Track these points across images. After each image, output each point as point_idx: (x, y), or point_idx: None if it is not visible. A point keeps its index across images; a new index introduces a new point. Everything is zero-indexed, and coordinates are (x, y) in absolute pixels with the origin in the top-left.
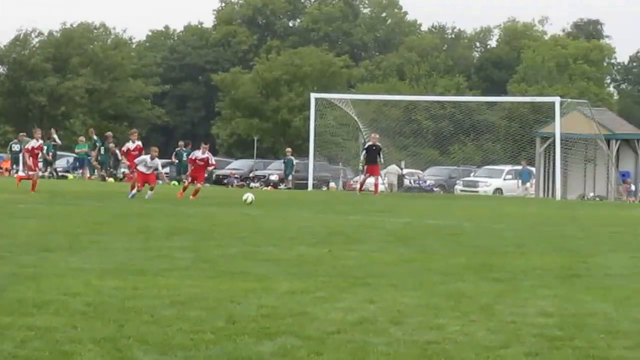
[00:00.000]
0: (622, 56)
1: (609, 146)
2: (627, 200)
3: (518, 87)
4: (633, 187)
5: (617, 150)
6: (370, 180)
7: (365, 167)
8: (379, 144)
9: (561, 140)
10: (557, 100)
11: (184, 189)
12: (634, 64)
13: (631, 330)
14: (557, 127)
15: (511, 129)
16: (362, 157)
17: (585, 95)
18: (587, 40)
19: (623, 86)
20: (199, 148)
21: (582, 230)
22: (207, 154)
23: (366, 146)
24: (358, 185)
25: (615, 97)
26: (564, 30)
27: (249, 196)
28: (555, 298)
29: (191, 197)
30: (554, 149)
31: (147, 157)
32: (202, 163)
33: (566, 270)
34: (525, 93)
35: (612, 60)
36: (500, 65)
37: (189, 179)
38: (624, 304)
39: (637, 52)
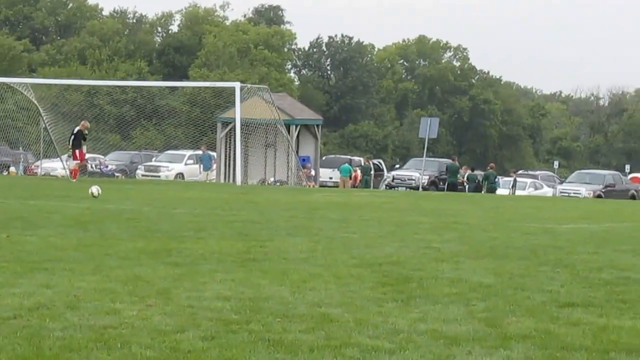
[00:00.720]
0: (303, 42)
1: (289, 131)
2: (307, 185)
3: (199, 72)
4: (313, 172)
5: (297, 136)
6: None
7: (72, 152)
8: (86, 131)
9: (242, 125)
10: (237, 85)
11: None
12: (315, 49)
13: (306, 314)
14: (238, 112)
15: (193, 114)
16: (70, 142)
17: (266, 81)
18: (268, 26)
19: (304, 72)
20: None
21: (262, 215)
22: None
23: (75, 131)
24: (68, 172)
25: (296, 82)
26: (245, 16)
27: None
28: (232, 282)
29: None
30: (235, 134)
31: None
32: None
33: (244, 254)
34: (207, 78)
35: (293, 46)
36: (182, 50)
37: None
38: (300, 288)
39: (318, 38)
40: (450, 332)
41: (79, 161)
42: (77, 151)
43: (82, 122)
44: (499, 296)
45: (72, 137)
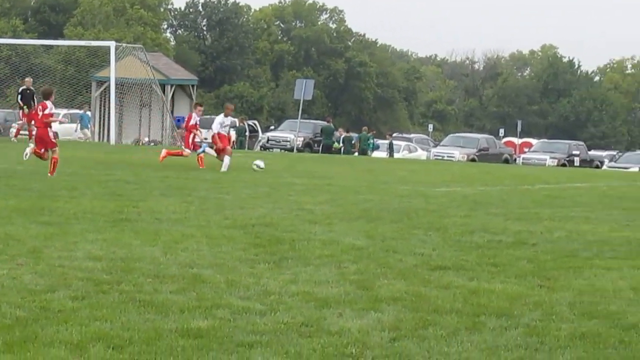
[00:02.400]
0: (179, 2)
1: (164, 91)
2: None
3: (75, 31)
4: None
5: (172, 96)
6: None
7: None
8: (32, 88)
9: (116, 84)
10: (112, 44)
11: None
12: (191, 10)
13: (178, 274)
14: (112, 72)
15: (67, 72)
16: (18, 100)
17: (141, 41)
18: None
19: (179, 32)
20: None
21: (135, 175)
22: None
23: (20, 90)
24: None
25: (172, 42)
26: None
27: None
28: (104, 242)
29: None
30: (110, 93)
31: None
32: None
33: (117, 214)
34: (82, 37)
35: (169, 6)
36: (58, 8)
37: None
38: (172, 249)
39: None
40: (321, 294)
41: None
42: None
43: (27, 79)
44: (371, 258)
45: (19, 95)
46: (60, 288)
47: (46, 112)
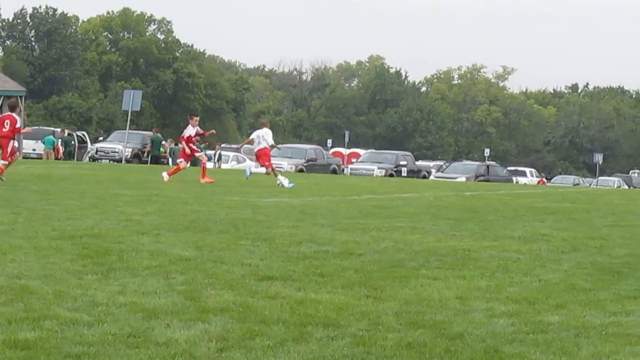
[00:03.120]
0: (7, 13)
1: None
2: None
3: None
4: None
5: (0, 107)
6: None
7: None
8: None
9: None
10: None
11: None
12: (19, 20)
13: (5, 286)
14: None
15: None
16: None
17: None
18: None
19: (7, 43)
20: None
21: None
22: None
23: None
24: None
25: (0, 54)
26: None
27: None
28: None
29: None
30: None
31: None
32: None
33: None
34: None
35: None
36: None
37: None
38: None
39: (22, 9)
40: (149, 305)
41: None
42: None
43: None
44: (199, 269)
45: None
46: None
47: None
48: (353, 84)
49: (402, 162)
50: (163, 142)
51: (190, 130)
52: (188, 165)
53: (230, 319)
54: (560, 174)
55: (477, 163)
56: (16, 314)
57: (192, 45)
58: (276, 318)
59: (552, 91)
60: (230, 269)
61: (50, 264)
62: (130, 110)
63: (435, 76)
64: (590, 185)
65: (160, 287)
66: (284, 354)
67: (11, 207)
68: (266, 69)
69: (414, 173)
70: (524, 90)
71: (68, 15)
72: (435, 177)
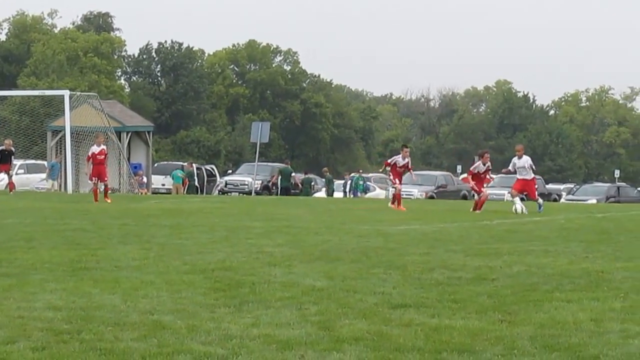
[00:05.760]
0: (133, 49)
1: (119, 139)
2: (139, 192)
3: (28, 80)
4: (145, 179)
5: (129, 143)
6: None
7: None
8: (12, 148)
9: (72, 133)
10: (66, 93)
11: None
12: (144, 56)
13: (139, 322)
14: (67, 121)
15: (22, 123)
16: None
17: (96, 89)
18: (97, 33)
19: (134, 78)
20: None
21: (93, 223)
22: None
23: None
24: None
25: (127, 89)
26: (73, 23)
27: None
28: (63, 291)
29: None
30: (65, 142)
31: None
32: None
33: (75, 263)
34: (36, 87)
35: (123, 53)
36: (10, 59)
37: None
38: (132, 296)
39: (147, 44)
40: (282, 336)
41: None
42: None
43: (6, 141)
44: (332, 299)
45: None
46: (20, 339)
47: None
48: (481, 109)
49: None
50: (293, 174)
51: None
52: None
53: (365, 348)
54: None
55: (607, 185)
56: (150, 350)
57: (318, 76)
58: (411, 345)
59: None
60: (363, 297)
61: (183, 298)
62: (258, 142)
63: (562, 99)
64: None
65: (294, 318)
66: None
67: (142, 243)
68: (393, 97)
69: (545, 196)
70: None
71: (194, 49)
72: (566, 200)
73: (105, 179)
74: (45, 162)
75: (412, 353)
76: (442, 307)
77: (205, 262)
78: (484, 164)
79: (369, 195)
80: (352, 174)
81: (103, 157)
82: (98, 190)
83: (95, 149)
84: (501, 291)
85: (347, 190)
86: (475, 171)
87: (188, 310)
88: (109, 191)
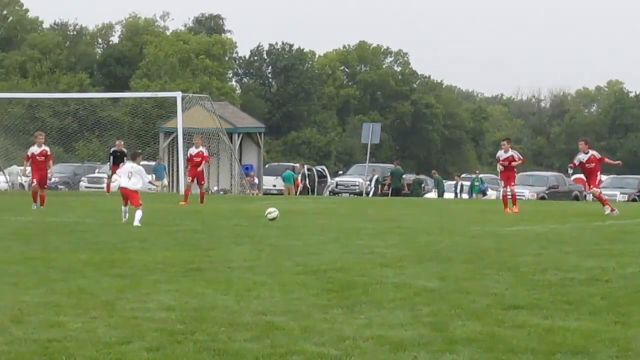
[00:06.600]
0: (244, 50)
1: (231, 140)
2: (251, 193)
3: (141, 82)
4: (256, 180)
5: (240, 144)
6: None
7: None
8: (124, 149)
9: (184, 134)
10: (178, 95)
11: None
12: (255, 58)
13: (252, 322)
14: (180, 122)
15: (135, 124)
16: (110, 162)
17: (207, 90)
18: (208, 35)
19: (245, 80)
20: None
21: (205, 224)
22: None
23: (111, 151)
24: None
25: (238, 91)
26: (185, 26)
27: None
28: (176, 292)
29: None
30: (177, 143)
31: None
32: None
33: (188, 264)
34: (148, 88)
35: (234, 55)
36: (123, 61)
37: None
38: (244, 297)
39: (258, 46)
40: (395, 337)
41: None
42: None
43: (118, 142)
44: (444, 300)
45: (111, 157)
46: (134, 339)
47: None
48: (592, 110)
49: None
50: (403, 175)
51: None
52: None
53: (478, 349)
54: None
55: None
56: (263, 350)
57: (429, 76)
58: (524, 347)
59: None
60: (476, 298)
61: (295, 299)
62: (369, 143)
63: None
64: None
65: (406, 319)
66: None
67: (254, 244)
68: (504, 97)
69: None
70: None
71: (304, 50)
72: None
73: (202, 182)
74: (164, 163)
75: (526, 354)
76: (555, 309)
77: (317, 262)
78: (585, 153)
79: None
80: (465, 175)
81: (200, 159)
82: (190, 191)
83: (193, 150)
84: (615, 292)
85: (459, 191)
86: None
87: (301, 311)
88: (205, 194)
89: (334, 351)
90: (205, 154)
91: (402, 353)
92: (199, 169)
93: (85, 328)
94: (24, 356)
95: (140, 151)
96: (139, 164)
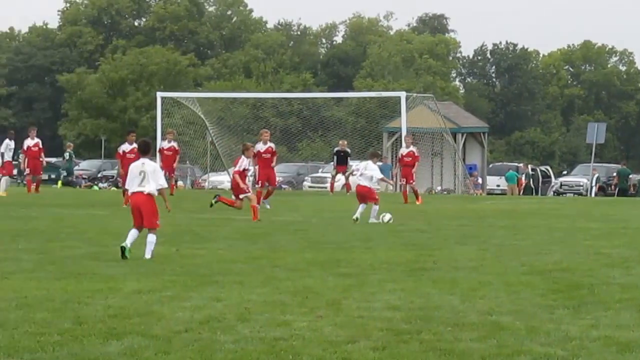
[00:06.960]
0: (467, 50)
1: (455, 140)
2: (474, 193)
3: (364, 82)
4: (480, 180)
5: (464, 144)
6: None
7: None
8: (347, 149)
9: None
10: (403, 94)
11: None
12: (479, 57)
13: (477, 322)
14: (404, 122)
15: (358, 124)
16: (334, 162)
17: (431, 90)
18: (432, 35)
19: (468, 80)
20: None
21: (429, 224)
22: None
23: (335, 151)
24: (329, 187)
25: (461, 90)
26: (409, 25)
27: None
28: (402, 292)
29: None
30: (401, 143)
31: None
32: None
33: (413, 264)
34: (372, 88)
35: (458, 54)
36: (347, 61)
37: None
38: (470, 296)
39: (482, 45)
40: (623, 339)
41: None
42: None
43: (341, 142)
44: None
45: (335, 157)
46: (360, 339)
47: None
48: None
49: None
50: (630, 175)
51: None
52: None
53: None
54: None
55: None
56: (489, 350)
57: None
58: None
59: None
60: None
61: (521, 299)
62: (594, 143)
63: None
64: None
65: (634, 320)
66: None
67: (479, 244)
68: None
69: None
70: None
71: (528, 50)
72: None
73: (411, 180)
74: (389, 163)
75: None
76: None
77: (543, 263)
78: None
79: None
80: None
81: (410, 159)
82: (407, 191)
83: (403, 150)
84: None
85: None
86: None
87: (526, 311)
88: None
89: (560, 352)
90: (416, 153)
91: (629, 354)
92: (413, 170)
93: (311, 327)
94: (251, 354)
95: (380, 152)
96: (375, 163)
